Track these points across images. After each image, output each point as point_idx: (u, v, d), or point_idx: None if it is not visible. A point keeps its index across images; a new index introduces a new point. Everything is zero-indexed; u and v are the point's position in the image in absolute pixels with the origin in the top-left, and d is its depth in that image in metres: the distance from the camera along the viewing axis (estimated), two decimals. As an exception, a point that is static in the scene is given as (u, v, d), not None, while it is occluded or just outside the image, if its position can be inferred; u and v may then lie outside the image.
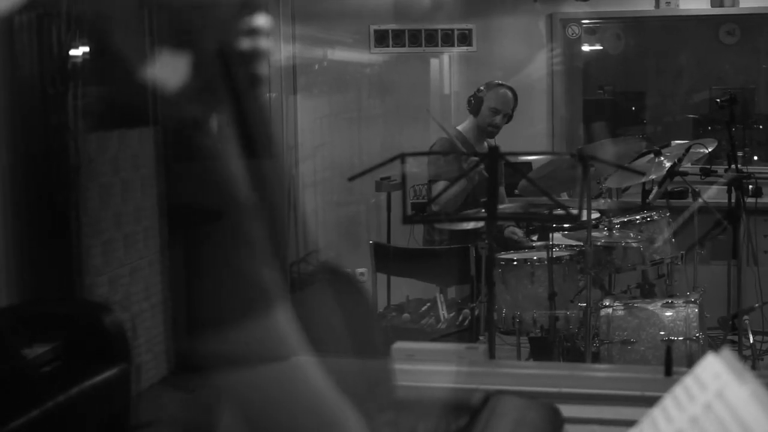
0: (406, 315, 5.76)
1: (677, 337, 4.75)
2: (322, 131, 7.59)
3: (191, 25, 1.47)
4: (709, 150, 5.72)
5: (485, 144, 6.11)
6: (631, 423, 1.33)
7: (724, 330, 5.93)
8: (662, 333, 4.77)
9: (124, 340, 3.82)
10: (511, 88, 6.10)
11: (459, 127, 6.15)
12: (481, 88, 6.08)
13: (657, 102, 9.37)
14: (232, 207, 1.46)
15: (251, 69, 1.52)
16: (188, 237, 1.50)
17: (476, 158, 5.56)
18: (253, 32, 1.50)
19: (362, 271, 6.38)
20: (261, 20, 1.52)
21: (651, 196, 5.85)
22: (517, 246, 5.73)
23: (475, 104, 6.03)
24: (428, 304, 5.88)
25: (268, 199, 1.56)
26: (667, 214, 5.42)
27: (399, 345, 3.65)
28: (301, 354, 1.64)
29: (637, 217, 5.33)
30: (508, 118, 6.08)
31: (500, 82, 6.15)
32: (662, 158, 5.61)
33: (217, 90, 1.50)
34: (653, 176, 5.65)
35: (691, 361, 4.55)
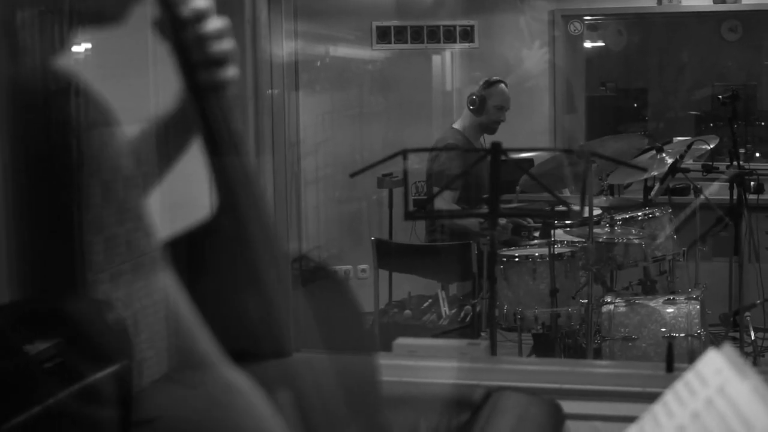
0: (407, 311, 5.76)
1: (679, 334, 4.74)
2: (324, 128, 7.59)
3: None
4: (711, 147, 5.71)
5: (481, 141, 6.14)
6: (632, 419, 1.33)
7: (726, 327, 5.92)
8: (664, 330, 4.77)
9: (125, 336, 3.80)
10: (505, 82, 6.16)
11: (456, 126, 6.16)
12: (481, 86, 6.11)
13: (659, 98, 9.37)
14: None
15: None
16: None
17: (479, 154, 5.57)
18: None
19: (364, 268, 6.39)
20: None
21: (653, 193, 5.84)
22: (522, 234, 5.74)
23: (479, 104, 6.05)
24: (430, 301, 5.89)
25: (234, 199, 1.55)
26: (669, 211, 5.42)
27: (401, 341, 3.66)
28: (302, 350, 1.64)
29: (639, 213, 5.33)
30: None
31: (496, 78, 6.18)
32: (664, 155, 5.61)
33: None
34: (655, 173, 5.65)
35: (692, 357, 4.54)
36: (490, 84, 6.11)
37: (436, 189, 5.81)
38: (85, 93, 1.46)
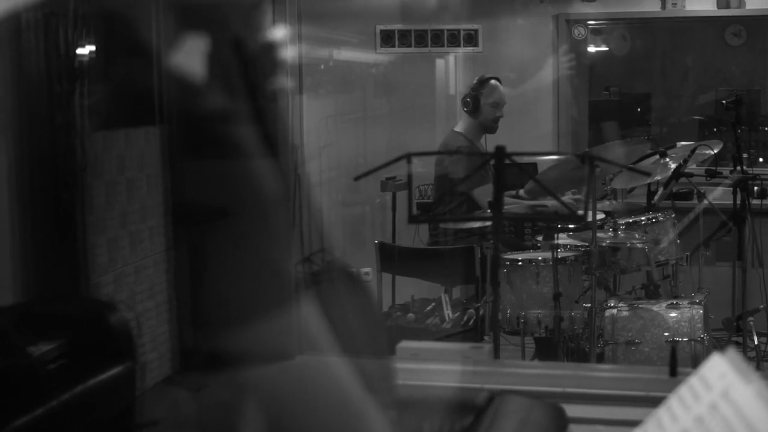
0: (410, 315, 5.76)
1: (682, 338, 4.74)
2: (328, 131, 7.59)
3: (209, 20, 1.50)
4: (715, 151, 5.71)
5: (481, 143, 6.14)
6: (635, 423, 1.33)
7: (729, 331, 5.93)
8: (667, 334, 4.77)
9: (129, 338, 3.82)
10: (498, 79, 6.13)
11: (458, 129, 6.14)
12: (473, 85, 6.09)
13: (663, 103, 9.37)
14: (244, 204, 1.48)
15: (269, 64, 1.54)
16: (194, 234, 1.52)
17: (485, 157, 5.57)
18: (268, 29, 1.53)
19: (367, 271, 6.38)
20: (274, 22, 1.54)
21: (656, 197, 5.84)
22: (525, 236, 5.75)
23: (473, 104, 6.02)
24: (433, 304, 5.89)
25: (277, 196, 1.58)
26: (673, 215, 5.41)
27: (404, 344, 3.66)
28: (307, 352, 1.65)
29: (643, 218, 5.33)
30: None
31: (488, 75, 6.15)
32: (668, 159, 5.61)
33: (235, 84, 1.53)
34: (658, 177, 5.65)
35: (695, 362, 4.56)
36: (481, 82, 6.07)
37: (473, 189, 5.80)
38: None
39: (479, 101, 6.00)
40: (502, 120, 6.12)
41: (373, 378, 1.85)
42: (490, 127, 6.05)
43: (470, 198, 5.86)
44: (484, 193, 5.76)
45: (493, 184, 5.70)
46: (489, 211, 4.88)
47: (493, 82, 6.07)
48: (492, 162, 3.68)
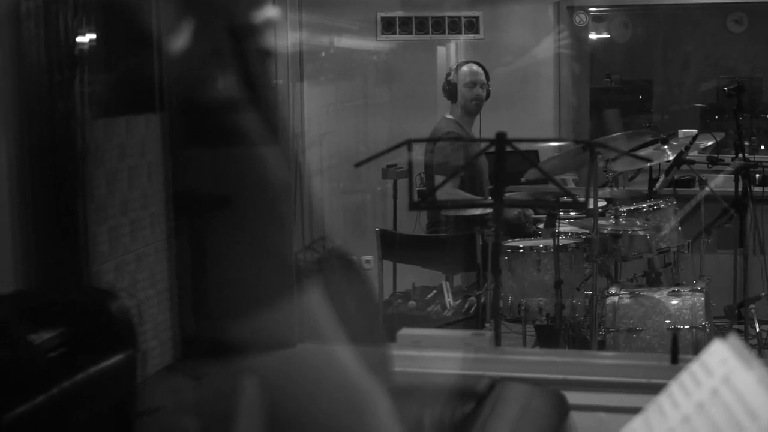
0: (412, 302, 5.76)
1: (683, 326, 4.74)
2: (329, 118, 7.58)
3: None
4: (717, 140, 5.71)
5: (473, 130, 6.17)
6: (637, 410, 1.33)
7: (731, 319, 5.93)
8: (668, 321, 4.77)
9: (130, 326, 3.82)
10: (476, 63, 6.18)
11: (449, 116, 6.17)
12: (450, 73, 6.17)
13: (664, 90, 9.36)
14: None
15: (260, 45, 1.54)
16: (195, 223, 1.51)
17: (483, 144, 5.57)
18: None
19: (368, 259, 6.38)
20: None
21: (658, 185, 5.84)
22: (522, 230, 5.74)
23: (450, 89, 6.14)
24: (434, 292, 5.88)
25: (279, 184, 1.58)
26: (674, 203, 5.42)
27: (405, 332, 3.66)
28: (308, 340, 1.65)
29: (644, 205, 5.33)
30: (487, 90, 6.13)
31: (464, 61, 6.23)
32: (669, 147, 5.60)
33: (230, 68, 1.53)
34: (660, 162, 5.65)
35: (697, 349, 4.55)
36: (457, 67, 6.19)
37: (438, 179, 5.80)
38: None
39: (455, 85, 6.08)
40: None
41: (371, 366, 1.85)
42: (471, 108, 6.11)
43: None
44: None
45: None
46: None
47: (466, 65, 6.20)
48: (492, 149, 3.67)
